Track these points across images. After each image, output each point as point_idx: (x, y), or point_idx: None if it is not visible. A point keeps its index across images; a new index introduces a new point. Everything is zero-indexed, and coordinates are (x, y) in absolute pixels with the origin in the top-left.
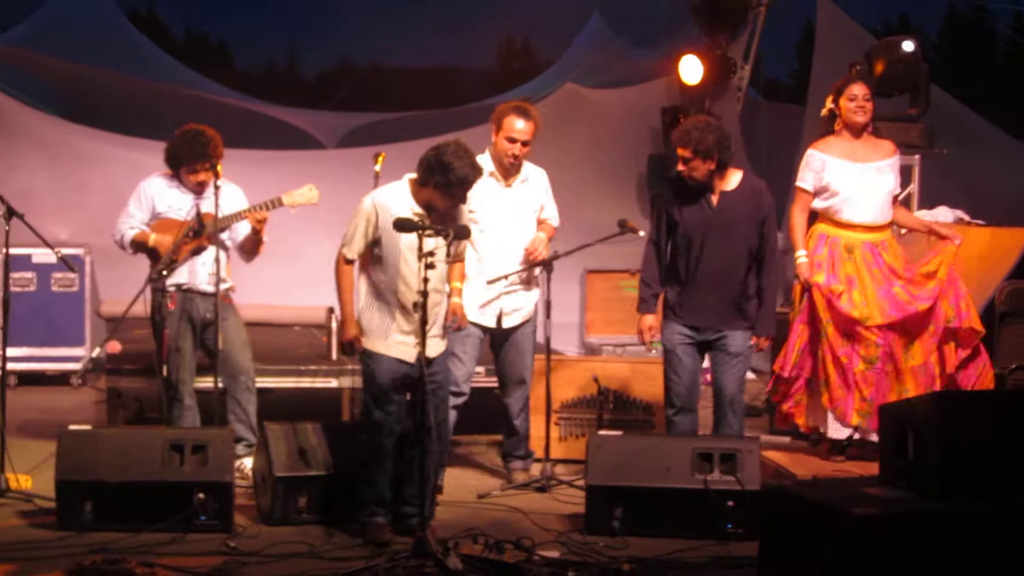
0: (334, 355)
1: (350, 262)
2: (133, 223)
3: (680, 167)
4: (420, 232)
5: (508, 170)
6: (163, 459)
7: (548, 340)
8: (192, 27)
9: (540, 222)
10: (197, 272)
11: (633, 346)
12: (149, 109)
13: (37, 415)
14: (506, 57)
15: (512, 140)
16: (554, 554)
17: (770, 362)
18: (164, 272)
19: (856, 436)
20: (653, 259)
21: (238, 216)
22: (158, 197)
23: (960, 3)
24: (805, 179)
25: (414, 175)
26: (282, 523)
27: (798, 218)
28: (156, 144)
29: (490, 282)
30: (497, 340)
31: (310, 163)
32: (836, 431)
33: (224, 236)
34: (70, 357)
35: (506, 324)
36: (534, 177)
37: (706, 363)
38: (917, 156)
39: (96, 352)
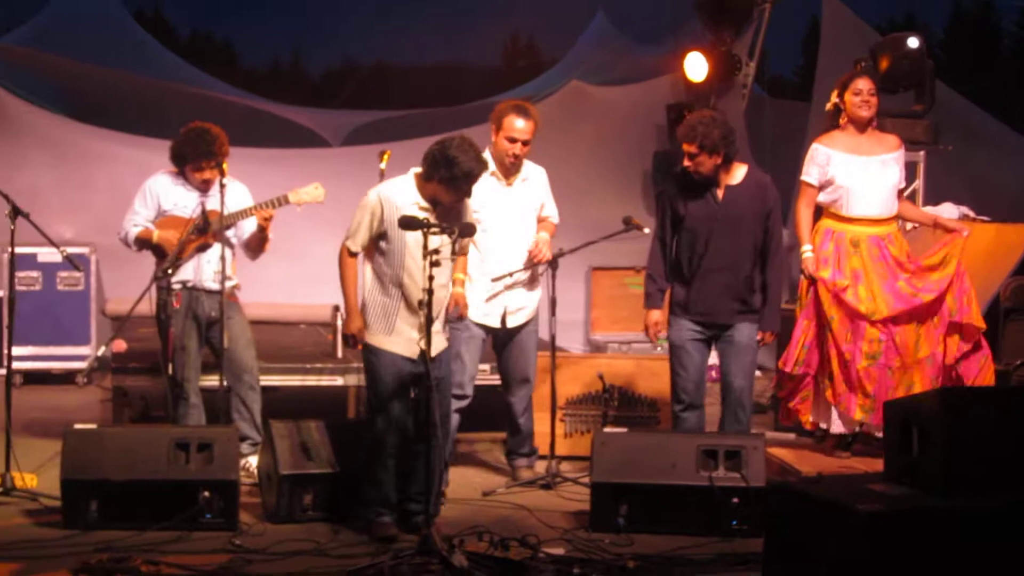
0: (340, 353)
1: (353, 255)
2: (138, 221)
3: (686, 163)
4: (425, 230)
5: (509, 169)
6: (168, 457)
7: (553, 337)
8: (198, 26)
9: (541, 220)
10: (202, 270)
11: (638, 343)
12: (154, 108)
13: (42, 414)
14: (511, 55)
15: (513, 140)
16: (559, 551)
17: (775, 358)
18: (169, 270)
19: (859, 430)
20: (658, 254)
21: (243, 214)
22: (164, 195)
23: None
24: (810, 173)
25: (419, 169)
26: (287, 521)
27: (804, 213)
28: (161, 143)
29: (495, 279)
30: (500, 340)
31: (315, 161)
32: (839, 427)
33: (229, 234)
34: (75, 356)
35: (510, 324)
36: (534, 175)
37: (714, 359)
38: (922, 152)
39: (101, 351)
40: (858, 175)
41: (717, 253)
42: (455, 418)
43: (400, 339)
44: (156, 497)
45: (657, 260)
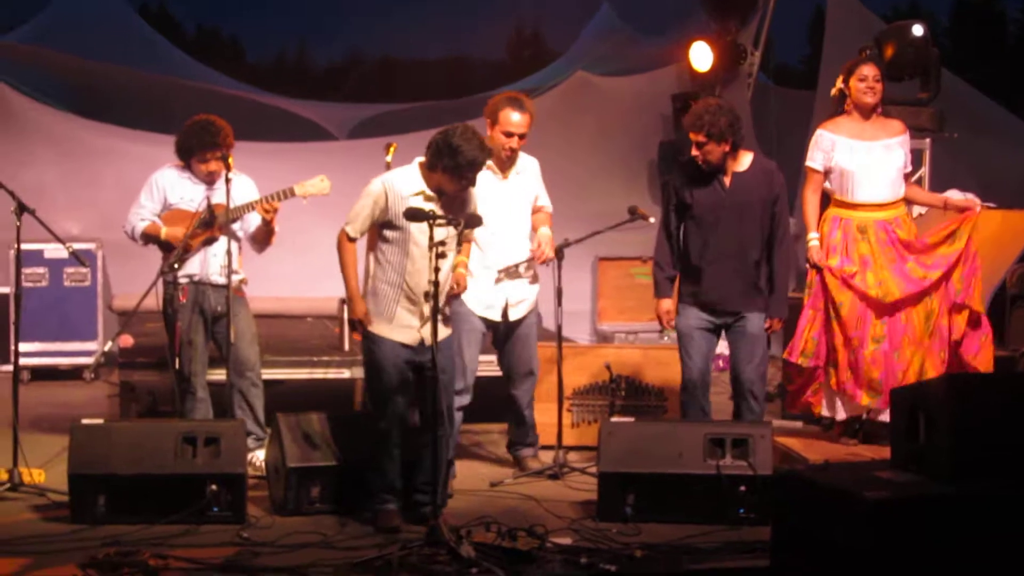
0: (346, 346)
1: (352, 240)
2: (144, 214)
3: (694, 152)
4: (431, 222)
5: (505, 163)
6: (176, 451)
7: (559, 328)
8: (204, 22)
9: (536, 211)
10: (209, 263)
11: (646, 332)
12: (160, 104)
13: (50, 409)
14: (515, 47)
15: (509, 134)
16: (567, 541)
17: (782, 346)
18: (176, 264)
19: (866, 417)
20: (665, 243)
21: (249, 207)
22: (170, 188)
23: None
24: (815, 158)
25: (423, 159)
26: (295, 513)
27: (810, 199)
28: (167, 138)
29: (501, 271)
30: (502, 334)
31: (321, 155)
32: (843, 414)
33: (236, 227)
34: (82, 351)
35: (512, 316)
36: (528, 167)
37: (723, 348)
38: (928, 140)
39: (108, 346)
40: (862, 160)
41: (725, 240)
42: (458, 416)
43: (401, 327)
44: (164, 491)
45: (664, 249)
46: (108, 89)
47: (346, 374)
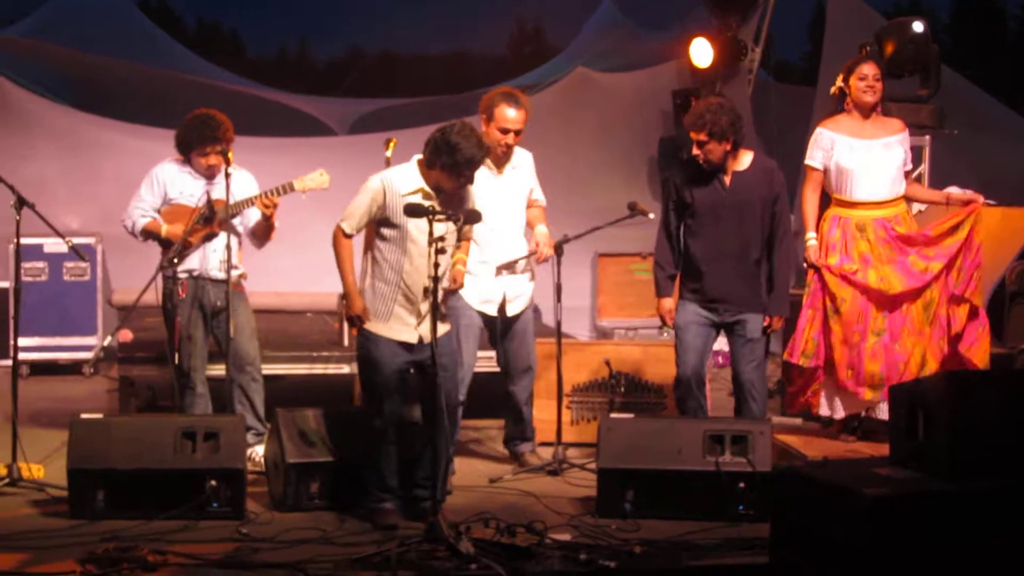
0: (346, 341)
1: (348, 236)
2: (144, 209)
3: (695, 151)
4: (431, 217)
5: (500, 159)
6: (175, 447)
7: (559, 324)
8: (204, 16)
9: (530, 204)
10: (208, 259)
11: (645, 329)
12: (160, 98)
13: (49, 404)
14: (516, 42)
15: (505, 131)
16: (566, 537)
17: (781, 344)
18: (175, 260)
19: (864, 415)
20: (665, 242)
21: (249, 202)
22: (170, 183)
23: None
24: (814, 157)
25: (421, 156)
26: (294, 509)
27: (809, 198)
28: (167, 133)
29: (500, 267)
30: (499, 329)
31: (321, 150)
32: (842, 412)
33: (236, 222)
34: (82, 346)
35: (510, 312)
36: (523, 161)
37: (721, 345)
38: (928, 137)
39: (108, 341)
40: (862, 158)
41: (725, 240)
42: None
43: (398, 326)
44: (163, 486)
45: (664, 248)
46: (108, 83)
47: (346, 369)
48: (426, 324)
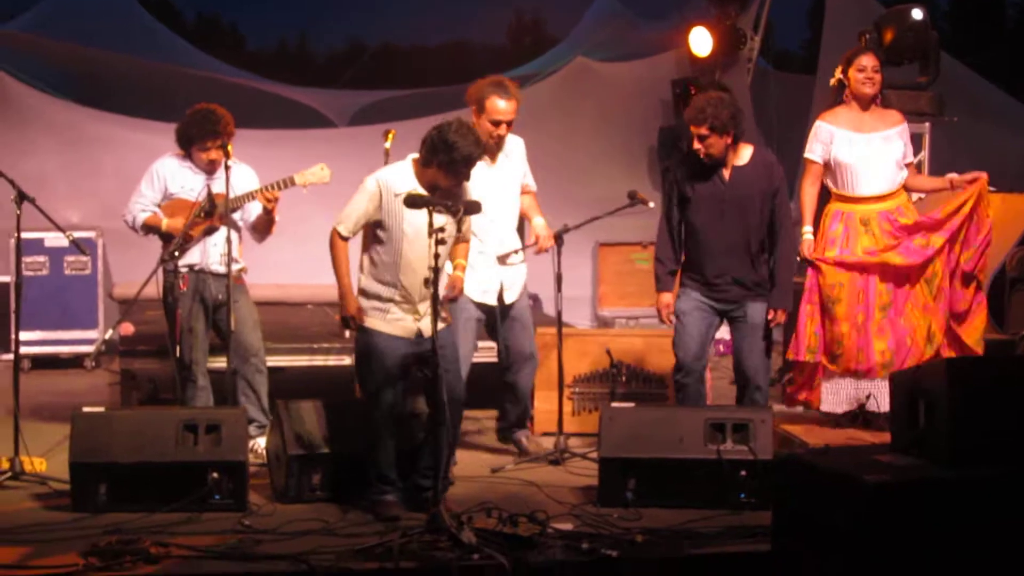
0: (347, 333)
1: (344, 239)
2: (145, 203)
3: (696, 145)
4: (430, 208)
5: (493, 149)
6: (177, 439)
7: (560, 314)
8: (204, 10)
9: (522, 190)
10: (209, 253)
11: (646, 318)
12: (160, 92)
13: (51, 398)
14: (516, 32)
15: (497, 123)
16: (568, 526)
17: (783, 336)
18: (176, 253)
19: (863, 408)
20: (666, 237)
21: (249, 196)
22: (171, 177)
23: None
24: (814, 150)
25: (416, 155)
26: (296, 501)
27: (808, 191)
28: (167, 126)
29: (499, 258)
30: (498, 318)
31: (321, 142)
32: (842, 407)
33: (236, 216)
34: (83, 340)
35: (507, 299)
36: (514, 148)
37: (723, 333)
38: (927, 124)
39: (109, 334)
40: (862, 152)
41: (726, 234)
42: None
43: (396, 320)
44: (165, 479)
45: (665, 243)
46: (109, 77)
47: (347, 361)
48: (426, 319)
